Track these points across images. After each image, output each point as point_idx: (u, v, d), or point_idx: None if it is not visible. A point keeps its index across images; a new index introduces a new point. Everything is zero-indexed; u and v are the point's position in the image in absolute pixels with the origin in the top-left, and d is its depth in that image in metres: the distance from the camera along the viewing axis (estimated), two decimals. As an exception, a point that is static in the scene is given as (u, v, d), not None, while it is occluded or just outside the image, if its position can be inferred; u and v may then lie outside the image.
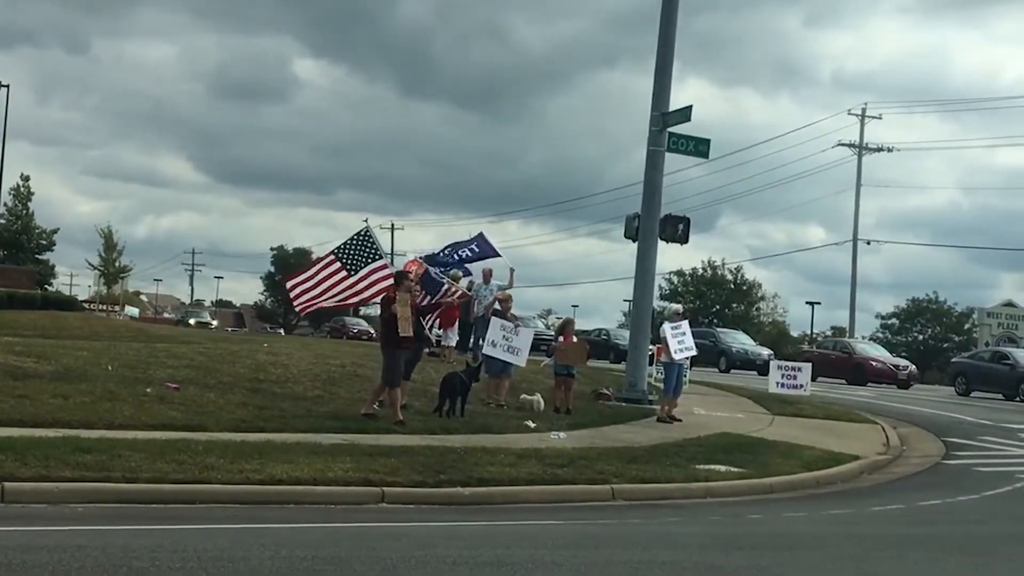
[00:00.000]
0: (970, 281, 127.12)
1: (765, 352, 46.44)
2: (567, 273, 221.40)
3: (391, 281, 17.86)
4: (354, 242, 18.03)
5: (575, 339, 22.01)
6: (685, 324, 21.07)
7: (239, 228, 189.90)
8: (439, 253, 21.44)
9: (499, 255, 22.53)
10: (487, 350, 19.47)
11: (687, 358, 21.10)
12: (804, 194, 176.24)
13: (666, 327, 20.71)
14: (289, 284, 18.82)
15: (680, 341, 20.54)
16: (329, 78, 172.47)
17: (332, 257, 18.09)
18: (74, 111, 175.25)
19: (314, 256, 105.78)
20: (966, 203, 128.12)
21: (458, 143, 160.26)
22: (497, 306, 21.04)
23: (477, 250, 21.92)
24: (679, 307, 23.26)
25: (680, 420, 20.19)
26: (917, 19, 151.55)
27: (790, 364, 28.81)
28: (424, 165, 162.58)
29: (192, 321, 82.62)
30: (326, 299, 18.13)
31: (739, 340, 48.27)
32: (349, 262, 17.95)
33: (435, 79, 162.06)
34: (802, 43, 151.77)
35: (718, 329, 54.21)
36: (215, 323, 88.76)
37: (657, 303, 69.53)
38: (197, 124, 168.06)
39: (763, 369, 38.17)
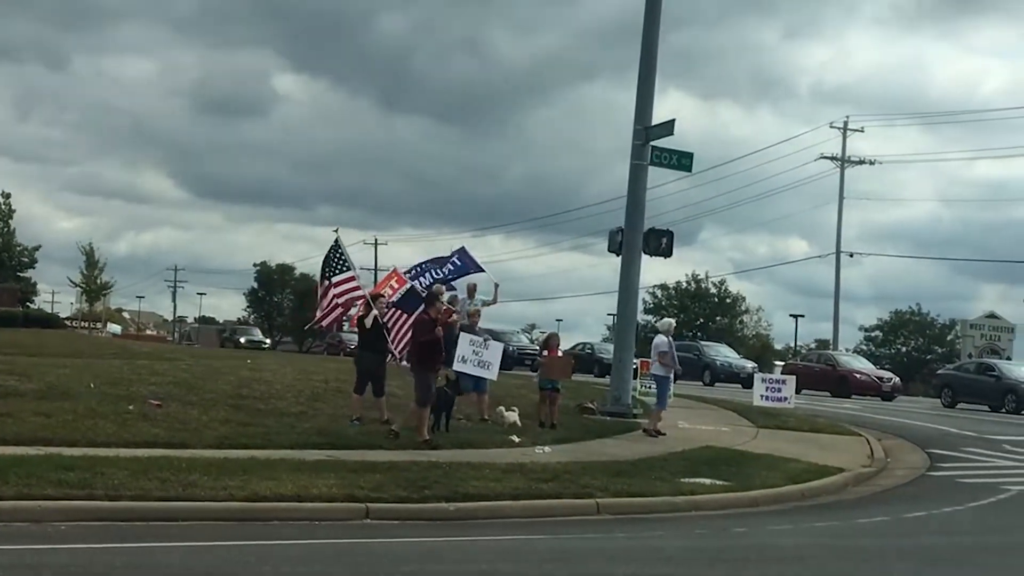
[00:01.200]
0: (952, 293, 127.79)
1: (749, 365, 46.59)
2: (550, 287, 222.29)
3: (360, 292, 18.48)
4: (330, 255, 18.75)
5: (560, 353, 21.97)
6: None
7: (221, 244, 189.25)
8: (417, 267, 21.46)
9: (482, 270, 22.44)
10: (457, 366, 19.03)
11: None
12: (786, 207, 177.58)
13: (669, 341, 20.58)
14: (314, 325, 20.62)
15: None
16: (309, 93, 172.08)
17: (328, 284, 18.82)
18: (54, 127, 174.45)
19: (297, 272, 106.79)
20: (947, 215, 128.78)
21: (439, 157, 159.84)
22: (466, 320, 20.80)
23: (460, 264, 21.88)
24: (673, 321, 23.05)
25: (664, 434, 20.18)
26: (894, 32, 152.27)
27: (774, 377, 28.84)
28: (405, 180, 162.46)
29: (243, 340, 66.69)
30: (325, 315, 18.97)
31: (723, 353, 48.37)
32: (329, 274, 18.70)
33: (416, 93, 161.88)
34: (781, 56, 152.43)
35: (702, 342, 54.29)
36: (268, 342, 72.82)
37: (641, 317, 69.71)
38: (178, 140, 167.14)
39: (747, 382, 38.28)
